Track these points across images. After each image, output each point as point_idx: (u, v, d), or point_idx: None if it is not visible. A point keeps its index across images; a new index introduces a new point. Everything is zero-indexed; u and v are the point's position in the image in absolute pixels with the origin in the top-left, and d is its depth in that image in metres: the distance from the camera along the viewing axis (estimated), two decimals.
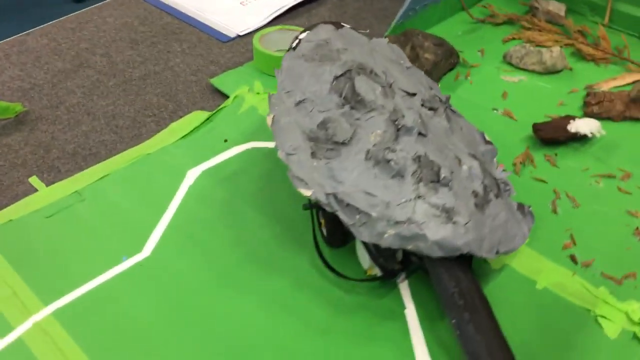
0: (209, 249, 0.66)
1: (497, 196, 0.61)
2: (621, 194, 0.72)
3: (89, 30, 1.03)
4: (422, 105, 0.66)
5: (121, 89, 0.90)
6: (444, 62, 0.90)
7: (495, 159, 0.69)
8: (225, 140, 0.80)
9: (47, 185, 0.74)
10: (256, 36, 0.92)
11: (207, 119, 0.83)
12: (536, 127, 0.78)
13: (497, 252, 0.58)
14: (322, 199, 0.57)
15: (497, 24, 1.02)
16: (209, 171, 0.76)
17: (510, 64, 0.93)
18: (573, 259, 0.64)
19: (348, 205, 0.56)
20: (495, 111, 0.84)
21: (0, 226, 0.69)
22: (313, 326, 0.59)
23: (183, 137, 0.81)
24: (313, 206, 0.65)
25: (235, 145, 0.79)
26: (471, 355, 0.52)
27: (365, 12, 1.08)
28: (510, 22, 1.02)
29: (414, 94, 0.66)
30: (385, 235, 0.55)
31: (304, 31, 0.73)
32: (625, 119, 0.82)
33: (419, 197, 0.56)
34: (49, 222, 0.69)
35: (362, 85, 0.64)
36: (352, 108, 0.63)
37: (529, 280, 0.63)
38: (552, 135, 0.77)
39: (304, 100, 0.64)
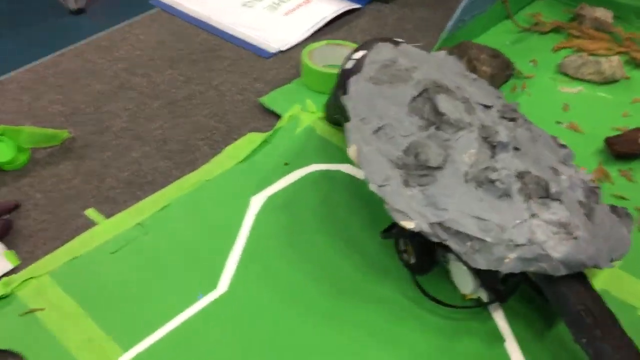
0: (288, 281, 0.63)
1: (596, 202, 0.59)
2: None
3: (125, 49, 0.99)
4: (503, 117, 0.63)
5: (167, 110, 0.87)
6: (500, 74, 0.88)
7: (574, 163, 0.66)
8: (286, 164, 0.77)
9: (106, 217, 0.71)
10: (304, 52, 0.89)
11: (264, 140, 0.80)
12: (610, 141, 0.76)
13: (612, 260, 0.55)
14: (427, 229, 0.54)
15: (544, 33, 1.00)
16: (274, 197, 0.73)
17: (566, 74, 0.91)
18: None
19: (458, 232, 0.54)
20: (559, 124, 0.82)
21: (65, 264, 0.65)
22: (419, 358, 0.56)
23: (241, 161, 0.77)
24: (393, 234, 0.63)
25: (297, 168, 0.76)
26: None
27: (405, 23, 1.05)
28: (557, 30, 1.00)
29: (491, 106, 0.64)
30: (506, 260, 0.52)
31: (357, 50, 0.70)
32: None
33: (533, 215, 0.54)
34: (115, 259, 0.66)
35: (445, 103, 0.61)
36: (437, 129, 0.60)
37: (628, 305, 0.60)
38: (628, 149, 0.75)
39: (382, 126, 0.61)
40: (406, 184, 0.57)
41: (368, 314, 0.60)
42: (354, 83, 0.65)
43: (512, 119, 0.63)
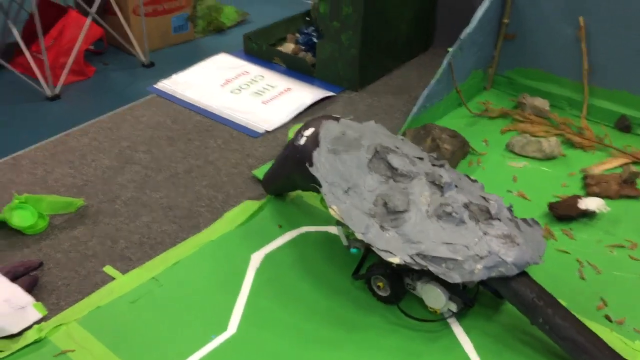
0: (288, 322, 0.73)
1: (515, 217, 0.76)
2: (632, 261, 0.83)
3: (126, 130, 1.11)
4: (434, 165, 0.79)
5: (170, 182, 0.98)
6: (459, 151, 1.03)
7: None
8: (280, 226, 0.88)
9: (122, 273, 0.80)
10: (290, 131, 1.03)
11: (259, 207, 0.91)
12: (552, 206, 0.90)
13: (540, 257, 0.72)
14: (409, 260, 0.68)
15: (493, 117, 1.17)
16: (271, 254, 0.84)
17: (513, 152, 1.06)
18: (608, 318, 0.74)
19: (434, 258, 0.68)
20: (510, 192, 0.96)
21: (90, 312, 0.73)
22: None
23: (240, 224, 0.88)
24: (365, 275, 0.76)
25: (289, 230, 0.88)
26: (564, 339, 0.66)
27: (375, 108, 1.21)
28: (503, 115, 1.17)
29: (422, 158, 0.79)
30: (476, 271, 0.67)
31: (306, 128, 0.82)
32: (621, 197, 0.95)
33: (485, 233, 0.70)
34: (135, 307, 0.75)
35: (396, 160, 0.77)
36: (395, 181, 0.75)
37: None
38: (567, 212, 0.89)
39: (351, 187, 0.75)
40: (382, 228, 0.71)
41: (354, 340, 0.71)
42: (317, 156, 0.78)
43: (441, 165, 0.80)
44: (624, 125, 1.13)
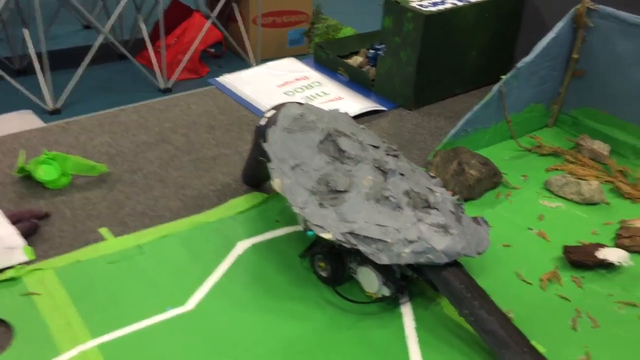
0: (247, 312, 0.73)
1: (463, 212, 0.75)
2: None
3: (174, 113, 1.16)
4: (388, 154, 0.80)
5: (193, 164, 1.01)
6: (487, 180, 0.97)
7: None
8: (277, 221, 0.88)
9: (115, 236, 0.83)
10: None
11: (264, 200, 0.92)
12: (567, 249, 0.83)
13: (478, 253, 0.73)
14: (340, 237, 0.69)
15: (543, 155, 1.09)
16: (259, 245, 0.84)
17: (550, 190, 0.99)
18: None
19: (365, 238, 0.69)
20: (530, 230, 0.90)
21: (69, 265, 0.78)
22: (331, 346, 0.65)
23: (240, 212, 0.89)
24: (309, 254, 0.78)
25: (285, 226, 0.87)
26: (488, 333, 0.66)
27: (421, 128, 1.18)
28: (555, 154, 1.09)
29: (378, 147, 0.80)
30: (403, 254, 0.68)
31: (268, 110, 0.85)
32: None
33: (419, 220, 0.71)
34: (110, 268, 0.78)
35: (345, 143, 0.77)
36: (342, 163, 0.76)
37: None
38: (581, 259, 0.81)
39: (298, 164, 0.76)
40: (321, 205, 0.73)
41: (298, 329, 0.70)
42: (272, 133, 0.80)
43: (395, 155, 0.80)
44: None
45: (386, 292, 0.73)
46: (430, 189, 0.76)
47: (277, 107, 0.84)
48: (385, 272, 0.72)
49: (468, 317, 0.68)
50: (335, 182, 0.74)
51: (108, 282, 0.76)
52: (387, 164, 0.76)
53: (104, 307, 0.72)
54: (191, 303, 0.74)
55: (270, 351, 0.68)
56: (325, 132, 0.79)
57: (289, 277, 0.78)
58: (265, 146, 0.78)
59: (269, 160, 0.77)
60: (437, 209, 0.72)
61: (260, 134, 0.83)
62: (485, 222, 0.78)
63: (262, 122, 0.83)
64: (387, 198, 0.72)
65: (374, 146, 0.80)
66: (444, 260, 0.69)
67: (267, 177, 0.88)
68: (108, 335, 0.69)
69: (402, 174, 0.76)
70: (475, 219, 0.77)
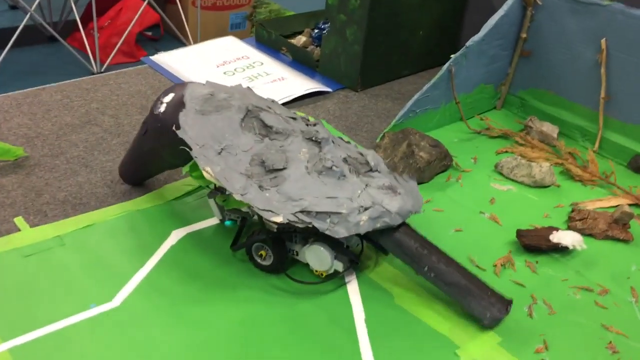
0: (177, 306, 0.66)
1: (393, 171, 0.74)
2: (597, 307, 0.72)
3: (103, 93, 1.07)
4: (307, 124, 0.75)
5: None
6: (437, 163, 0.93)
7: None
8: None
9: (32, 227, 0.75)
10: None
11: (199, 187, 0.85)
12: (520, 233, 0.79)
13: (420, 207, 0.71)
14: (292, 218, 0.64)
15: (492, 137, 1.06)
16: (194, 234, 0.77)
17: (500, 173, 0.96)
18: None
19: (318, 213, 0.64)
20: (482, 214, 0.86)
21: None
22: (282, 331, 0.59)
23: (175, 199, 0.82)
24: (244, 245, 0.72)
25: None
26: (450, 285, 0.65)
27: (368, 110, 1.13)
28: (504, 136, 1.06)
29: (296, 118, 0.75)
30: (361, 223, 0.65)
31: (163, 94, 0.75)
32: (606, 237, 0.83)
33: (367, 185, 0.68)
34: (26, 262, 0.69)
35: (269, 119, 0.72)
36: (270, 140, 0.70)
37: None
38: (535, 243, 0.78)
39: (224, 147, 0.69)
40: (262, 188, 0.66)
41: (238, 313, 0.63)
42: (184, 118, 0.70)
43: (315, 124, 0.75)
44: (637, 166, 1.00)
45: (339, 267, 0.69)
46: (360, 153, 0.73)
47: (175, 90, 0.74)
48: (335, 245, 0.69)
49: (427, 274, 0.66)
50: (271, 161, 0.68)
51: (22, 278, 0.67)
52: (318, 133, 0.71)
53: (17, 306, 0.64)
54: (118, 299, 0.66)
55: (206, 344, 0.62)
56: (243, 109, 0.72)
57: (229, 268, 0.72)
58: (181, 133, 0.68)
59: (189, 148, 0.68)
60: (378, 170, 0.70)
61: (161, 122, 0.72)
62: (413, 178, 0.75)
63: (161, 108, 0.73)
64: (329, 168, 0.68)
65: (292, 117, 0.75)
66: (399, 221, 0.66)
67: (157, 171, 0.82)
68: (21, 338, 0.60)
69: (334, 142, 0.72)
70: (401, 176, 0.74)
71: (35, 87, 1.06)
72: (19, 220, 0.75)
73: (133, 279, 0.69)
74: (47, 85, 1.07)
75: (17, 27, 2.60)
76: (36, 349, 0.59)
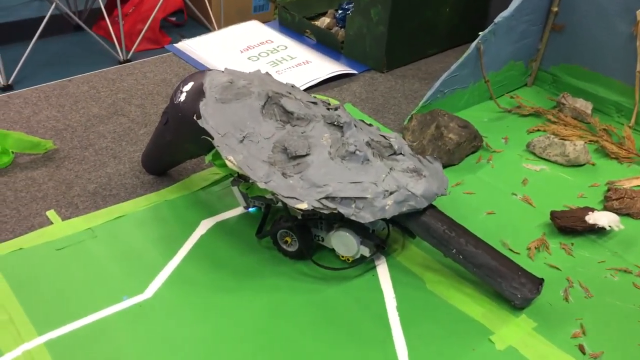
0: (207, 296, 0.66)
1: (417, 154, 0.73)
2: (636, 289, 0.70)
3: (129, 82, 1.07)
4: (328, 108, 0.74)
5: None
6: (467, 144, 0.91)
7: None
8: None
9: (63, 219, 0.75)
10: None
11: (226, 175, 0.84)
12: (554, 215, 0.77)
13: (445, 189, 0.69)
14: (317, 204, 0.63)
15: (523, 115, 1.04)
16: (223, 223, 0.76)
17: (533, 153, 0.93)
18: (581, 349, 0.62)
19: (342, 199, 0.64)
20: (514, 196, 0.84)
21: (9, 253, 0.69)
22: (308, 320, 0.58)
23: (202, 188, 0.82)
24: (268, 232, 0.71)
25: None
26: (480, 266, 0.64)
27: (395, 92, 1.11)
28: (536, 114, 1.04)
29: (316, 103, 0.74)
30: (387, 207, 0.64)
31: (183, 83, 0.73)
32: None
33: (392, 169, 0.67)
34: (59, 255, 0.70)
35: (290, 104, 0.71)
36: (292, 126, 0.70)
37: None
38: (570, 224, 0.76)
39: (246, 135, 0.68)
40: (285, 175, 0.66)
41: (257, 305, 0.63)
42: (204, 107, 0.69)
43: (336, 108, 0.73)
44: None
45: (366, 252, 0.69)
46: (384, 136, 0.71)
47: (194, 78, 0.73)
48: (361, 231, 0.68)
49: (456, 256, 0.66)
50: (294, 147, 0.67)
51: (56, 271, 0.68)
52: (339, 117, 0.69)
53: (51, 299, 0.64)
54: (150, 291, 0.66)
55: (245, 335, 0.62)
56: (263, 96, 0.71)
57: (256, 256, 0.72)
58: (202, 123, 0.68)
59: (211, 138, 0.67)
60: (402, 153, 0.69)
61: (182, 111, 0.71)
62: (437, 159, 0.74)
63: (181, 97, 0.72)
64: (353, 153, 0.67)
65: (313, 102, 0.73)
66: (424, 204, 0.66)
67: (180, 161, 0.82)
68: (56, 331, 0.61)
69: (356, 126, 0.71)
70: (425, 157, 0.73)
71: (62, 79, 1.07)
72: (51, 214, 0.76)
73: (164, 270, 0.69)
74: (74, 77, 1.08)
75: (43, 18, 2.62)
76: (71, 342, 0.60)
